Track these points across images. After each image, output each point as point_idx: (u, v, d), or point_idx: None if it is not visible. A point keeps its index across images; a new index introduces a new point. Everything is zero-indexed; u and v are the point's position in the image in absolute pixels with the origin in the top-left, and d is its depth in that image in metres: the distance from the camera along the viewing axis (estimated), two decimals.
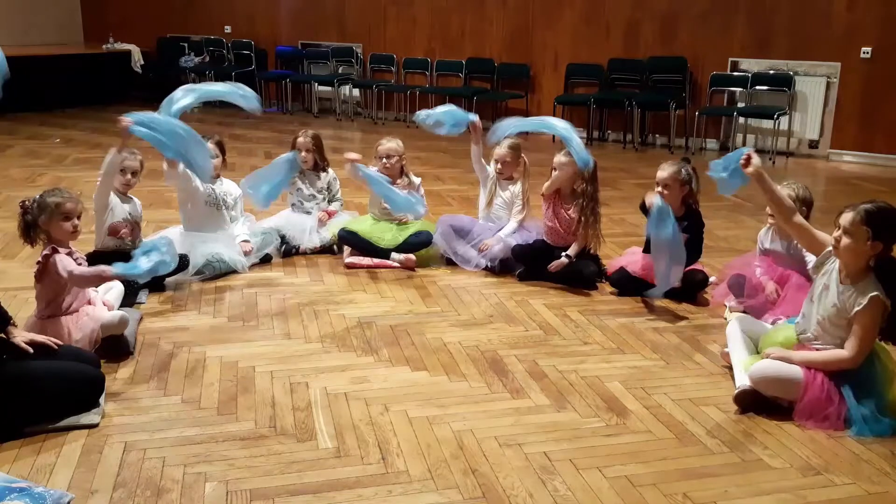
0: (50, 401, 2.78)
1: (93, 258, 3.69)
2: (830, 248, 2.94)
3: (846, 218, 2.81)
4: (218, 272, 4.36)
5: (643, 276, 4.11)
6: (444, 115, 4.58)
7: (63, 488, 2.43)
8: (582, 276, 4.32)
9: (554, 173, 4.39)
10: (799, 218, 3.10)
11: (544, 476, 2.56)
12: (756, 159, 3.07)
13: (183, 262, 4.12)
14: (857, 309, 2.81)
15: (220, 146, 4.62)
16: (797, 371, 2.91)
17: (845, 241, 2.82)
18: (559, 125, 4.36)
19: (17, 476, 2.47)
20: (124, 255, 3.86)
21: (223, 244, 4.43)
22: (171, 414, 2.91)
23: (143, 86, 11.55)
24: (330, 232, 4.84)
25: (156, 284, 4.06)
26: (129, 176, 4.10)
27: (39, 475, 2.50)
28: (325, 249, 4.86)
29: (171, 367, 3.28)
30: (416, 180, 4.90)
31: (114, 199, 4.05)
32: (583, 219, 4.33)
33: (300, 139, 4.97)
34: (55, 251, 3.17)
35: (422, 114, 4.66)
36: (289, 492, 2.44)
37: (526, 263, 4.46)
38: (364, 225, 4.77)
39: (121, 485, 2.46)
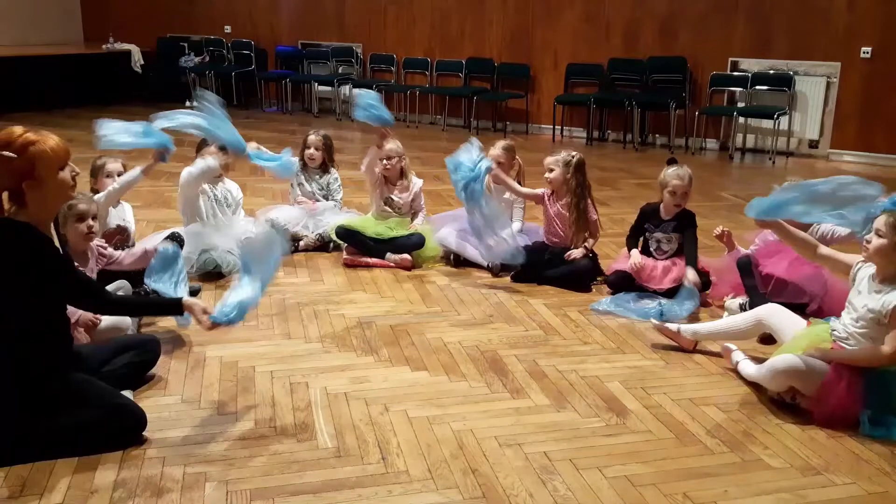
0: (86, 430, 2.63)
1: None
2: (859, 260, 3.04)
3: (879, 221, 2.90)
4: (209, 268, 4.31)
5: (640, 280, 4.14)
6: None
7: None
8: (574, 275, 4.33)
9: (548, 174, 4.46)
10: (823, 249, 3.22)
11: (544, 476, 2.56)
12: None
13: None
14: (895, 304, 2.83)
15: (224, 149, 4.61)
16: (825, 366, 2.91)
17: (876, 242, 2.88)
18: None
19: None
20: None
21: (220, 239, 4.40)
22: (170, 414, 2.90)
23: (143, 86, 11.56)
24: (330, 227, 4.83)
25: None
26: (116, 178, 3.99)
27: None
28: (322, 247, 4.87)
29: (170, 367, 3.28)
30: (417, 182, 4.90)
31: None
32: (573, 211, 4.39)
33: (311, 136, 5.07)
34: None
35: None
36: (289, 492, 2.44)
37: (522, 264, 4.45)
38: (361, 223, 4.78)
39: (121, 485, 2.46)
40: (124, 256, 3.65)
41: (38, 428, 2.58)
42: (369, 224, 4.73)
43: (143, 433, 2.71)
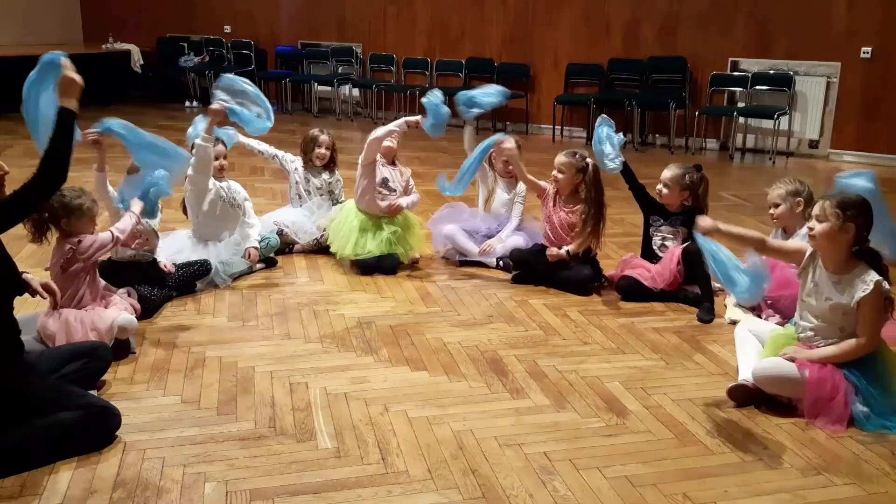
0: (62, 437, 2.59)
1: (108, 269, 3.68)
2: (809, 251, 3.05)
3: (817, 207, 2.96)
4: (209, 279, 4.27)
5: (652, 285, 4.12)
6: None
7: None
8: (575, 282, 4.27)
9: (557, 174, 4.38)
10: (771, 242, 3.22)
11: (544, 476, 2.56)
12: (705, 222, 3.02)
13: (206, 267, 4.16)
14: (862, 295, 2.86)
15: (225, 146, 4.58)
16: (793, 368, 2.93)
17: (819, 227, 2.91)
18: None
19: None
20: (139, 266, 3.87)
21: (223, 250, 4.35)
22: (170, 414, 2.90)
23: (143, 86, 11.57)
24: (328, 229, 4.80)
25: (187, 287, 4.09)
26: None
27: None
28: (322, 249, 4.85)
29: (170, 366, 3.28)
30: (407, 170, 4.86)
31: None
32: (588, 222, 4.27)
33: (324, 136, 4.96)
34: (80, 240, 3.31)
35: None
36: (289, 492, 2.44)
37: (521, 268, 4.45)
38: (347, 230, 4.63)
39: (120, 485, 2.46)
40: (115, 237, 3.43)
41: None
42: (353, 236, 4.57)
43: (117, 433, 2.70)
